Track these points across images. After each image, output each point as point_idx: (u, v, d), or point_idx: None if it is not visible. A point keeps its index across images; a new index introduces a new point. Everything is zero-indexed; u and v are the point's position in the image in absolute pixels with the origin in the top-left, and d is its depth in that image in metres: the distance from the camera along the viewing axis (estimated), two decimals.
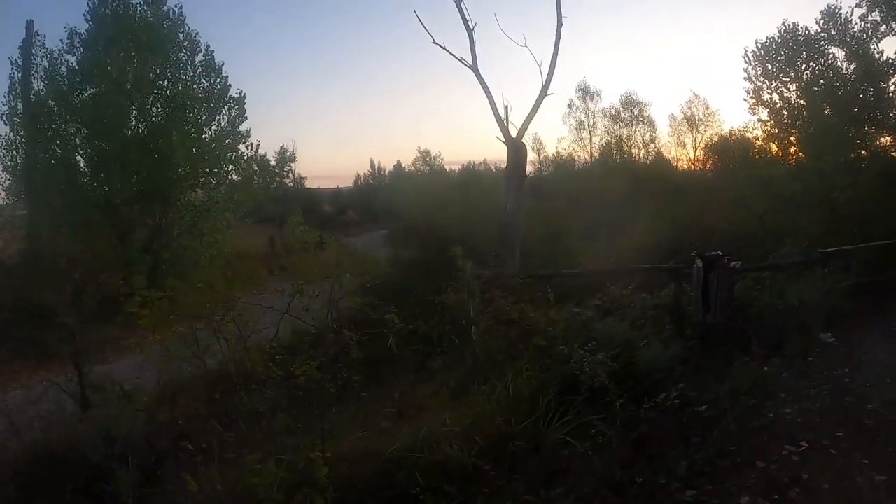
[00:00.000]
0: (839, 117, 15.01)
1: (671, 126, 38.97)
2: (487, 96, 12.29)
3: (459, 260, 8.16)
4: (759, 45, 18.98)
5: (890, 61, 14.81)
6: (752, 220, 13.51)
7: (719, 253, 8.18)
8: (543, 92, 12.33)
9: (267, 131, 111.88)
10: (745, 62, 19.15)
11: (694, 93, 44.76)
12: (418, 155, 59.17)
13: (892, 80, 14.91)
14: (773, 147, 18.88)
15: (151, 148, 19.89)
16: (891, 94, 14.85)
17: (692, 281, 8.36)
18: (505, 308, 7.74)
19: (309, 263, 26.44)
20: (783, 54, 18.15)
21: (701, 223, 14.19)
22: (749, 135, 21.68)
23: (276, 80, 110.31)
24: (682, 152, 37.95)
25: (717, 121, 37.40)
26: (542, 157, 42.26)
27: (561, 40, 12.81)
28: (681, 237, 13.61)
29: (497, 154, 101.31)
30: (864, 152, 14.78)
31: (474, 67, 12.36)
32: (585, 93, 39.67)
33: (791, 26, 18.68)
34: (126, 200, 19.53)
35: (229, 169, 22.02)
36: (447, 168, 57.87)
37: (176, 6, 21.25)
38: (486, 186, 39.44)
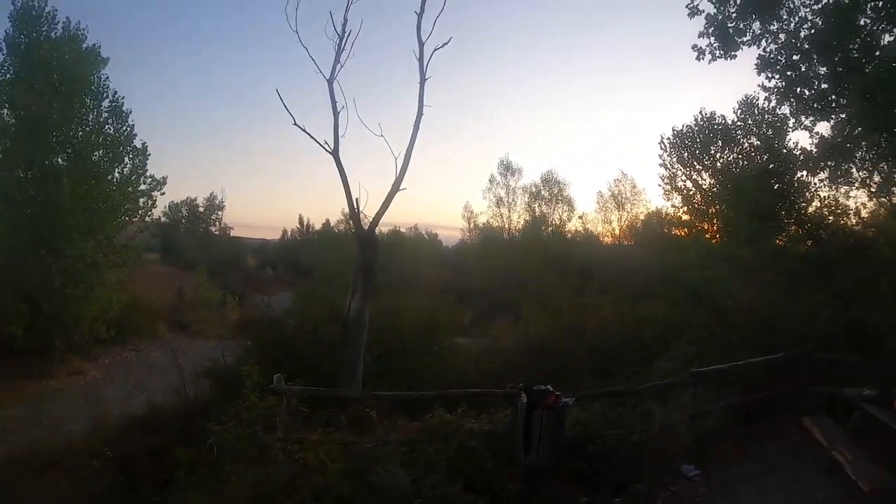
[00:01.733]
0: (751, 207, 14.06)
1: (598, 203, 38.20)
2: (344, 184, 10.92)
3: (250, 379, 6.74)
4: (675, 133, 18.39)
5: (798, 155, 14.05)
6: (635, 325, 12.42)
7: (548, 388, 6.81)
8: (396, 186, 10.91)
9: (202, 177, 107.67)
10: (661, 149, 18.48)
11: (622, 171, 44.46)
12: (342, 217, 55.13)
13: (798, 175, 14.05)
14: (684, 233, 18.08)
15: (42, 191, 18.18)
16: (795, 188, 13.97)
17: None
18: (274, 441, 6.36)
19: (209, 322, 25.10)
20: (699, 142, 17.48)
21: (587, 323, 13.00)
22: (667, 217, 21.08)
23: (214, 126, 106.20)
24: (608, 229, 37.44)
25: (643, 200, 36.55)
26: (472, 225, 42.22)
27: (419, 131, 11.13)
28: (563, 339, 12.40)
29: (432, 218, 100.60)
30: (779, 241, 13.86)
31: (335, 153, 10.95)
32: (507, 169, 39.25)
33: (708, 115, 18.19)
34: (10, 244, 17.80)
35: (126, 220, 20.34)
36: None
37: (96, 45, 19.83)
38: (410, 253, 38.71)
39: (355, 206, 10.88)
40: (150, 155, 20.56)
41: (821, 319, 10.78)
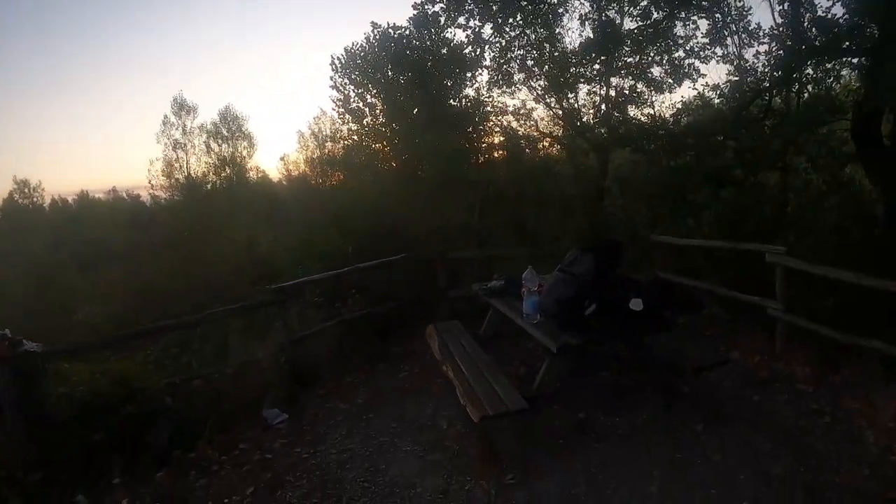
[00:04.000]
0: (410, 115, 12.62)
1: (300, 143, 34.29)
2: None
3: None
4: (347, 52, 16.26)
5: (460, 56, 12.68)
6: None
7: (3, 332, 4.30)
8: None
9: None
10: (333, 70, 16.24)
11: (321, 109, 41.60)
12: (15, 185, 43.75)
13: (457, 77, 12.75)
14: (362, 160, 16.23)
15: None
16: (452, 92, 12.69)
17: None
18: None
19: None
20: (371, 59, 15.56)
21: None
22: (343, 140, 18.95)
23: None
24: (310, 168, 34.18)
25: (344, 136, 33.93)
26: (172, 180, 35.88)
27: None
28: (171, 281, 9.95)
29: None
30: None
31: None
32: (182, 108, 33.93)
33: (382, 30, 16.06)
34: None
35: None
36: (68, 199, 45.26)
37: None
38: (103, 219, 33.28)
39: None
40: None
41: (477, 221, 9.48)
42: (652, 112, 12.28)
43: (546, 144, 13.66)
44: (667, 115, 12.02)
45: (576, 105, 12.76)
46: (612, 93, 12.40)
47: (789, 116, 9.21)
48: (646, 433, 4.63)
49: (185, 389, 5.36)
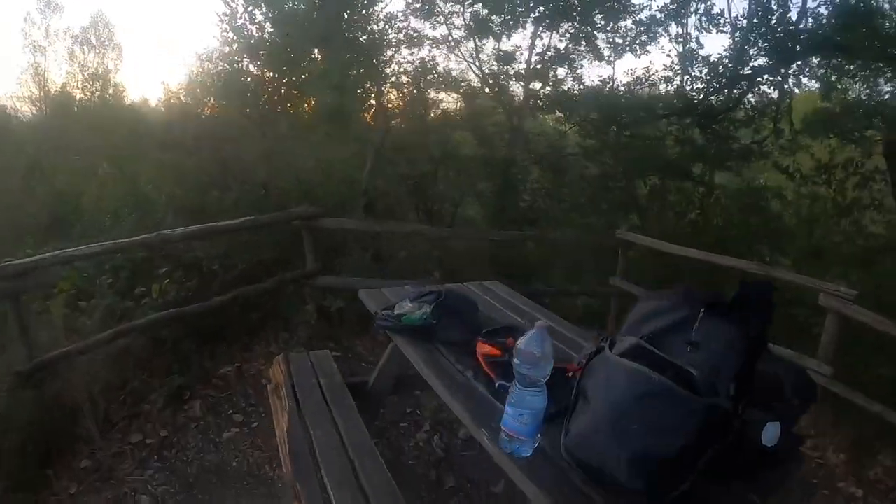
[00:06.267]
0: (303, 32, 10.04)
1: (186, 65, 29.72)
2: None
3: None
4: None
5: None
6: None
7: None
8: None
9: None
10: None
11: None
12: None
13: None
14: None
15: None
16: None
17: None
18: None
19: None
20: None
21: None
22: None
23: None
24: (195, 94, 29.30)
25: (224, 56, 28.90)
26: (43, 94, 27.80)
27: None
28: None
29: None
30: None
31: None
32: (48, 6, 27.82)
33: None
34: None
35: None
36: None
37: None
38: None
39: None
40: None
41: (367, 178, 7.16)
42: (602, 76, 10.53)
43: (458, 96, 11.35)
44: (618, 85, 10.27)
45: (502, 57, 10.58)
46: (547, 44, 10.49)
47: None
48: None
49: None
